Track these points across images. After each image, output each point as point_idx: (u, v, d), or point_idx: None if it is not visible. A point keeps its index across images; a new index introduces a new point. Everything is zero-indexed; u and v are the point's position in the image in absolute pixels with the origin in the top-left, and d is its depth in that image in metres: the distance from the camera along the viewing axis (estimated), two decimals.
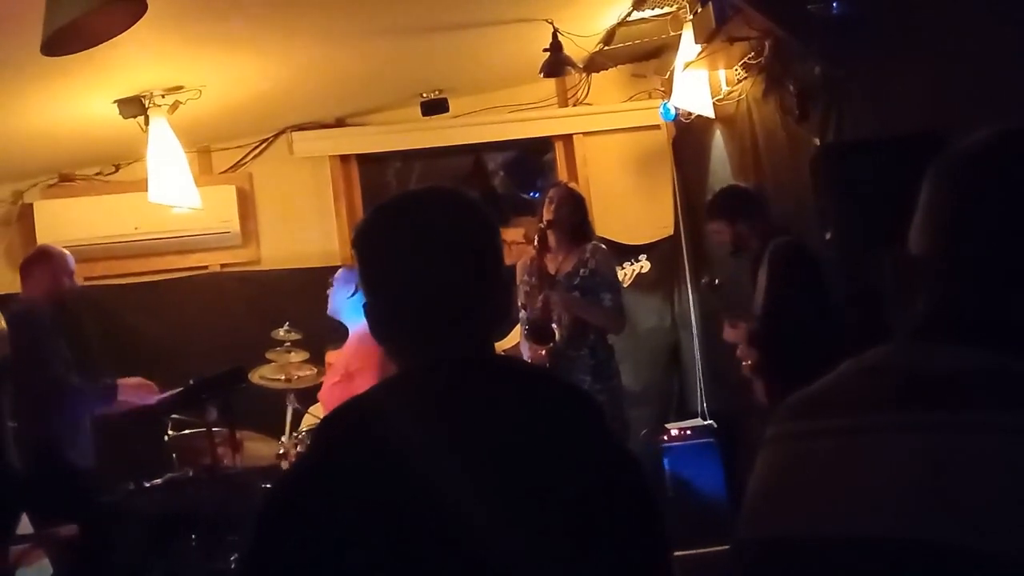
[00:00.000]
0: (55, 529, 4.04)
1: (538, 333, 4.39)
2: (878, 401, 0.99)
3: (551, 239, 4.53)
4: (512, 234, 5.30)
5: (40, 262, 4.58)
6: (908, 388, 0.97)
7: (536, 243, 4.54)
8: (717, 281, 4.61)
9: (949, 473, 0.91)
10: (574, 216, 4.53)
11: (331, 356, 5.07)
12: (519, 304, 4.55)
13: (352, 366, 4.40)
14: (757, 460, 1.09)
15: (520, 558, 1.20)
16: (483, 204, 1.42)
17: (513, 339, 4.85)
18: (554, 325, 4.39)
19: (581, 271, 4.45)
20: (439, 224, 1.36)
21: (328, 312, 4.81)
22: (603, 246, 4.63)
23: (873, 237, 3.29)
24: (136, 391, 4.59)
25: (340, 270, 4.91)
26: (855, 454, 0.98)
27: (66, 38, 2.78)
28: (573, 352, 4.39)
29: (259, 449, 4.89)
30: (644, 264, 5.62)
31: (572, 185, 4.97)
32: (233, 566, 4.18)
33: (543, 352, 4.36)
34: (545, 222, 4.52)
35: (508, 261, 5.02)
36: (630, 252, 5.73)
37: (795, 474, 1.03)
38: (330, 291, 4.82)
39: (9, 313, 4.18)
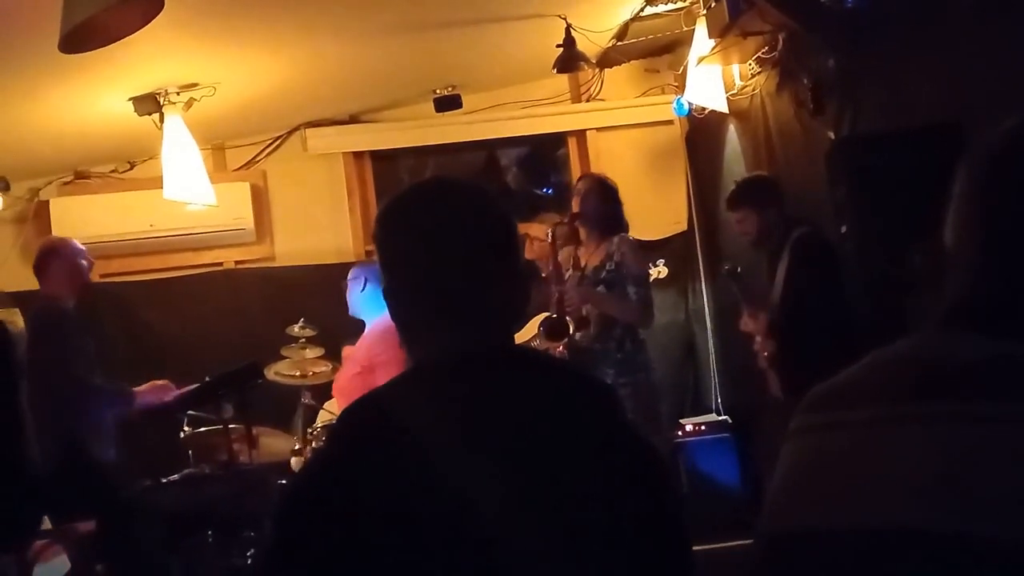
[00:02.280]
0: (73, 525, 4.06)
1: (552, 330, 4.39)
2: (905, 391, 0.98)
3: (581, 232, 4.52)
4: (536, 229, 5.31)
5: (53, 256, 4.56)
6: (936, 378, 0.97)
7: (550, 238, 4.54)
8: (739, 269, 4.56)
9: (978, 464, 0.90)
10: (603, 207, 4.49)
11: (348, 351, 5.07)
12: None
13: (377, 358, 4.40)
14: (782, 452, 1.08)
15: (539, 551, 1.20)
16: (498, 196, 1.43)
17: (529, 332, 4.85)
18: (568, 320, 4.38)
19: (608, 265, 4.42)
20: (457, 214, 1.36)
21: (350, 313, 4.81)
22: (631, 238, 4.58)
23: (889, 230, 3.28)
24: (152, 393, 4.61)
25: (352, 269, 4.91)
26: (882, 445, 0.98)
27: (83, 35, 2.79)
28: (600, 346, 4.37)
29: (275, 445, 4.90)
30: (662, 270, 5.62)
31: (601, 175, 4.92)
32: (249, 562, 4.19)
33: (560, 347, 4.35)
34: (569, 216, 4.51)
35: (528, 256, 5.04)
36: (646, 252, 5.72)
37: (821, 465, 1.03)
38: (347, 292, 4.83)
39: (33, 311, 4.19)
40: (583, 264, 4.50)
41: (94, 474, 4.27)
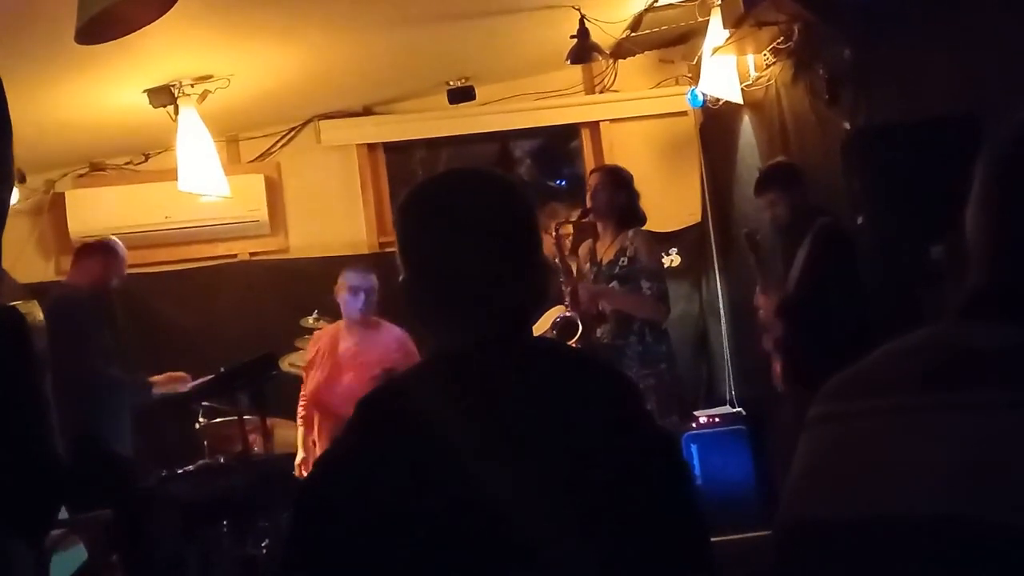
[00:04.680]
0: (90, 514, 4.08)
1: (562, 329, 4.40)
2: (926, 380, 0.98)
3: (598, 225, 4.53)
4: (545, 223, 5.33)
5: (99, 253, 4.59)
6: (957, 366, 0.97)
7: (555, 236, 4.54)
8: (759, 236, 4.51)
9: (997, 451, 0.90)
10: (616, 200, 4.48)
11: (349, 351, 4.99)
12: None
13: (392, 361, 4.42)
14: (801, 440, 1.08)
15: (555, 538, 1.21)
16: (522, 186, 1.42)
17: (543, 327, 4.84)
18: (577, 318, 4.37)
19: (621, 259, 4.41)
20: (480, 204, 1.35)
21: (363, 315, 4.73)
22: (645, 231, 4.56)
23: (905, 221, 3.27)
24: (169, 384, 4.63)
25: (357, 276, 4.79)
26: (902, 433, 0.98)
27: (99, 27, 2.81)
28: (620, 341, 4.37)
29: (289, 436, 4.93)
30: (674, 259, 5.60)
31: (614, 166, 4.89)
32: (264, 551, 4.21)
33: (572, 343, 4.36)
34: (581, 211, 4.52)
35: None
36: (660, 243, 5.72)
37: (841, 454, 1.03)
38: (353, 297, 4.73)
39: (51, 298, 4.20)
40: (599, 259, 4.50)
41: (115, 466, 4.30)
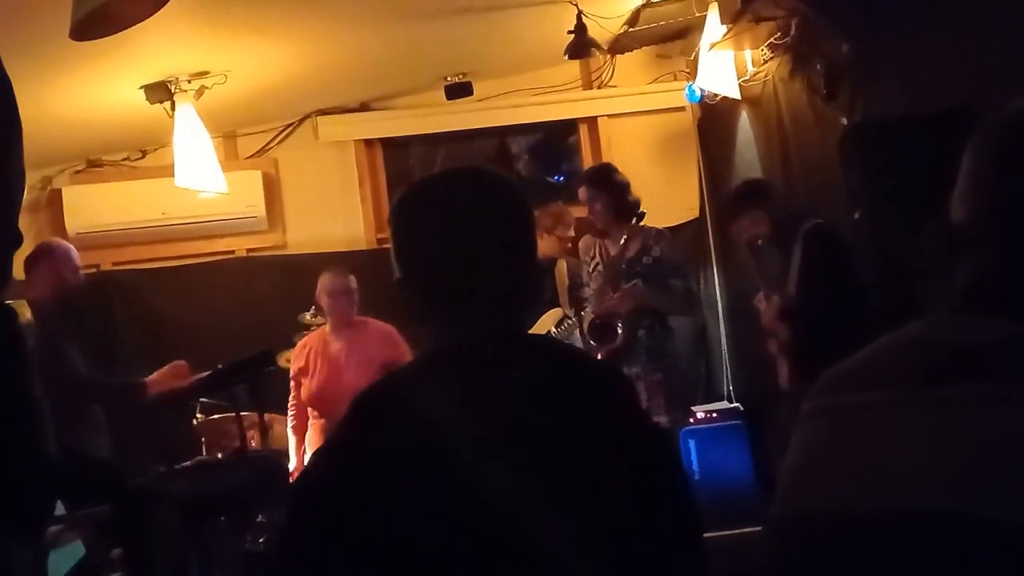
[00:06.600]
0: (88, 511, 4.08)
1: (600, 332, 4.41)
2: (918, 374, 0.98)
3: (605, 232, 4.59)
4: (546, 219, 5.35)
5: (40, 259, 4.54)
6: (948, 361, 0.97)
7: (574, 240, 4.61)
8: (760, 241, 4.54)
9: (990, 445, 0.90)
10: (609, 204, 4.53)
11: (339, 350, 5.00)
12: (584, 281, 4.61)
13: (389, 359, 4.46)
14: (793, 435, 1.08)
15: (548, 534, 1.21)
16: (517, 184, 1.42)
17: (543, 328, 4.82)
18: (616, 322, 4.38)
19: (644, 258, 4.48)
20: (472, 202, 1.36)
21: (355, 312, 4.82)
22: (665, 231, 4.66)
23: (903, 216, 3.26)
24: (168, 377, 4.61)
25: (327, 280, 4.89)
26: (894, 428, 0.97)
27: (94, 23, 2.80)
28: (629, 334, 4.42)
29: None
30: None
31: (596, 168, 4.94)
32: (262, 547, 4.22)
33: (600, 354, 4.36)
34: (592, 230, 4.58)
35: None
36: None
37: (833, 448, 1.03)
38: (337, 300, 4.80)
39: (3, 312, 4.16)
40: (612, 255, 4.53)
41: (84, 469, 4.28)
